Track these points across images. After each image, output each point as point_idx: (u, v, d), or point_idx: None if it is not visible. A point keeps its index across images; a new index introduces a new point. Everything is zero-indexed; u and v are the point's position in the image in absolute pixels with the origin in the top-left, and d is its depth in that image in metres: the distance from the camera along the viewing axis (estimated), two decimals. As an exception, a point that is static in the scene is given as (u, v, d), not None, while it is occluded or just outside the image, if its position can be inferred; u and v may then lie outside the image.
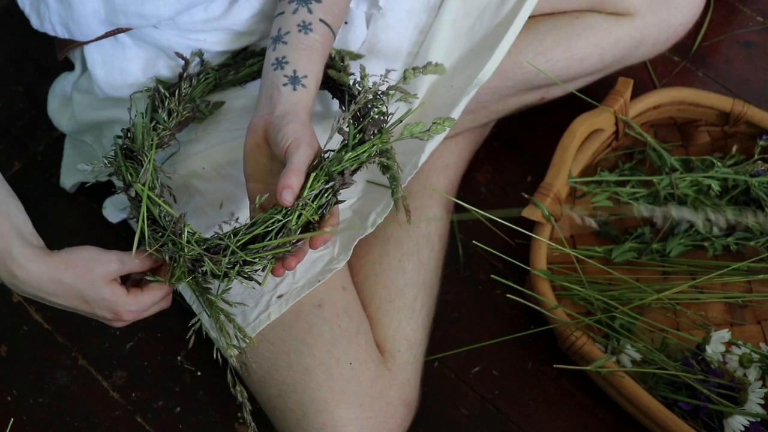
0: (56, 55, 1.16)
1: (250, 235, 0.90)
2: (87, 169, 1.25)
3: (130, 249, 1.22)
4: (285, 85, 0.98)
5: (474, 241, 1.16)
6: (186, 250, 0.91)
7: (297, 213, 0.90)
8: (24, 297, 1.29)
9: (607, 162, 1.29)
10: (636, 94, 1.24)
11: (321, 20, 1.02)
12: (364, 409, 1.05)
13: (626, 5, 1.23)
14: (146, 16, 1.04)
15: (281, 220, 0.90)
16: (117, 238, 1.32)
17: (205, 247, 0.91)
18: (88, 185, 1.34)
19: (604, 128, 1.23)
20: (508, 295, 1.11)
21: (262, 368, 1.08)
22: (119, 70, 1.13)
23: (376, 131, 0.97)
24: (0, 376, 1.24)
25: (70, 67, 1.25)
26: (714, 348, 1.09)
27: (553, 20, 1.24)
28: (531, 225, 1.16)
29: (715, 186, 1.17)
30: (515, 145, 1.37)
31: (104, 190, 1.28)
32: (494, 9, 1.18)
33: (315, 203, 0.92)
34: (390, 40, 1.19)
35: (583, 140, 1.21)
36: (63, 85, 1.26)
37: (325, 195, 0.92)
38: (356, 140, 0.96)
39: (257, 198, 0.93)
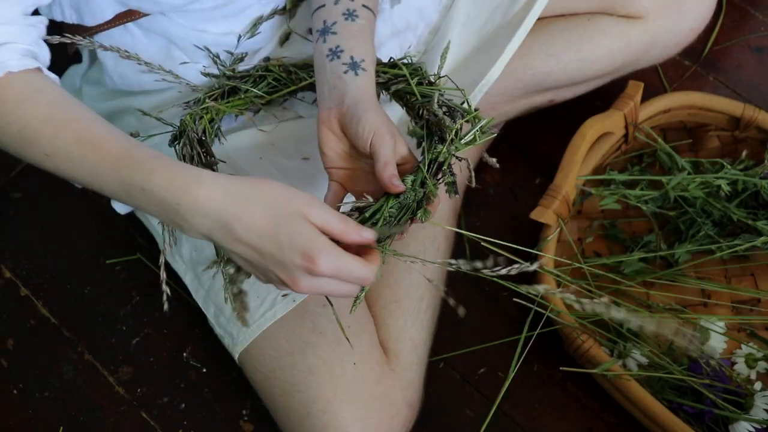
0: (65, 51, 1.16)
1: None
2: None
3: (138, 245, 1.23)
4: (346, 72, 0.98)
5: (482, 243, 1.15)
6: None
7: (415, 194, 0.93)
8: (32, 291, 1.29)
9: (616, 165, 1.29)
10: (646, 97, 1.24)
11: (364, 5, 1.03)
12: (368, 410, 1.05)
13: (637, 8, 1.23)
14: (158, 2, 1.05)
15: (410, 199, 0.93)
16: (125, 235, 1.32)
17: None
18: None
19: (613, 131, 1.22)
20: (515, 299, 1.11)
21: (266, 367, 1.08)
22: (128, 60, 1.13)
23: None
24: (6, 370, 1.24)
25: (78, 61, 1.25)
26: (715, 343, 1.10)
27: (564, 22, 1.24)
28: (539, 227, 1.16)
29: (725, 187, 1.17)
30: (524, 146, 1.36)
31: (112, 185, 1.29)
32: (505, 8, 1.18)
33: (438, 179, 0.95)
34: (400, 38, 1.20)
35: (592, 143, 1.21)
36: (72, 78, 1.27)
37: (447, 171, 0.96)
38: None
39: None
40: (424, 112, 1.01)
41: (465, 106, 1.01)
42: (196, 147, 0.99)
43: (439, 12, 1.21)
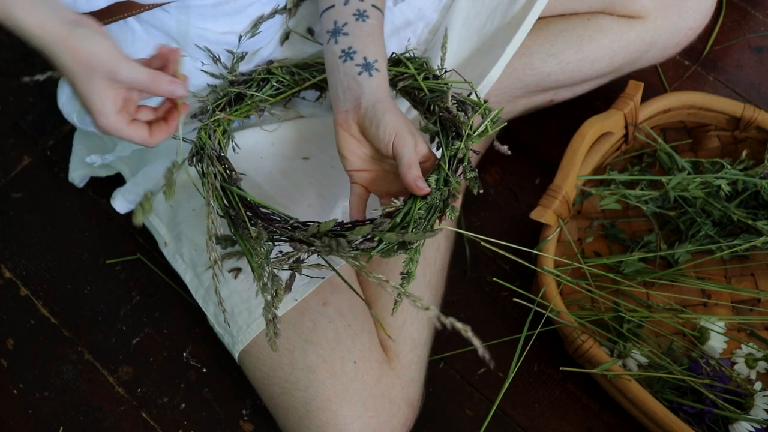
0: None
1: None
2: (96, 162, 1.27)
3: (138, 245, 1.23)
4: (360, 73, 0.99)
5: (482, 243, 1.16)
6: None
7: (441, 193, 0.94)
8: (32, 291, 1.29)
9: (616, 165, 1.29)
10: (646, 97, 1.24)
11: (373, 5, 1.03)
12: (367, 408, 1.05)
13: (637, 8, 1.23)
14: None
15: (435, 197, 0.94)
16: (124, 233, 1.32)
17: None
18: (96, 179, 1.35)
19: (613, 131, 1.22)
20: (515, 299, 1.11)
21: (266, 365, 1.08)
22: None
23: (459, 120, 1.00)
24: (6, 370, 1.24)
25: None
26: (715, 343, 1.10)
27: (564, 22, 1.24)
28: (539, 227, 1.16)
29: (725, 186, 1.17)
30: (524, 146, 1.36)
31: (112, 185, 1.29)
32: (505, 8, 1.18)
33: (458, 175, 0.96)
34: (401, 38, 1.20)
35: (592, 143, 1.21)
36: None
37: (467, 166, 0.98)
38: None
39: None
40: (436, 107, 1.01)
41: (473, 98, 1.02)
42: (217, 165, 1.00)
43: (438, 12, 1.21)
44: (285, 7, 1.15)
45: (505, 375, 1.20)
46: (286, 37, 1.17)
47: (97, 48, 0.88)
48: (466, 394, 1.19)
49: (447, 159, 0.96)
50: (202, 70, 1.12)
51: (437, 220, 0.95)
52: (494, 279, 1.16)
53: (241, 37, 1.12)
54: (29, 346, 1.26)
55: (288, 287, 0.98)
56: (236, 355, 1.11)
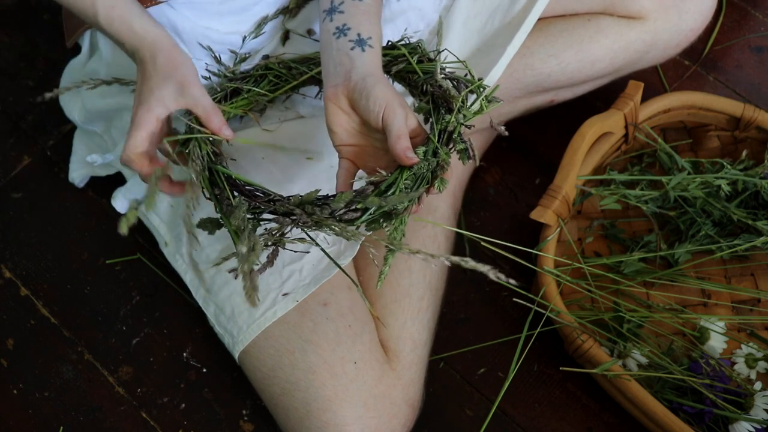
0: (66, 49, 1.16)
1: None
2: (96, 161, 1.27)
3: (138, 245, 1.22)
4: (353, 49, 0.98)
5: (482, 243, 1.16)
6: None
7: (428, 164, 0.94)
8: (32, 291, 1.29)
9: (616, 165, 1.29)
10: (646, 97, 1.24)
11: None
12: (368, 409, 1.05)
13: (638, 9, 1.23)
14: None
15: (422, 170, 0.94)
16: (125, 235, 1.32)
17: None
18: (96, 179, 1.35)
19: (613, 131, 1.22)
20: (515, 299, 1.11)
21: (267, 366, 1.08)
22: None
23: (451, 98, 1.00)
24: (6, 370, 1.24)
25: (78, 53, 1.25)
26: (715, 343, 1.11)
27: (564, 22, 1.24)
28: (539, 227, 1.16)
29: (725, 186, 1.17)
30: (524, 146, 1.36)
31: (112, 185, 1.29)
32: (505, 9, 1.18)
33: (449, 148, 0.96)
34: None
35: (592, 143, 1.21)
36: (73, 74, 1.27)
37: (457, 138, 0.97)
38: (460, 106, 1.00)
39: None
40: (428, 87, 1.01)
41: (468, 78, 1.01)
42: (206, 147, 0.99)
43: (439, 12, 1.21)
44: (288, 8, 1.15)
45: (505, 375, 1.20)
46: (286, 37, 1.17)
47: (188, 63, 0.98)
48: (466, 394, 1.19)
49: (437, 132, 0.96)
50: (206, 70, 1.12)
51: (424, 191, 0.94)
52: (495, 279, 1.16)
53: (245, 38, 1.12)
54: (29, 346, 1.26)
55: (270, 262, 0.96)
56: (236, 356, 1.11)
